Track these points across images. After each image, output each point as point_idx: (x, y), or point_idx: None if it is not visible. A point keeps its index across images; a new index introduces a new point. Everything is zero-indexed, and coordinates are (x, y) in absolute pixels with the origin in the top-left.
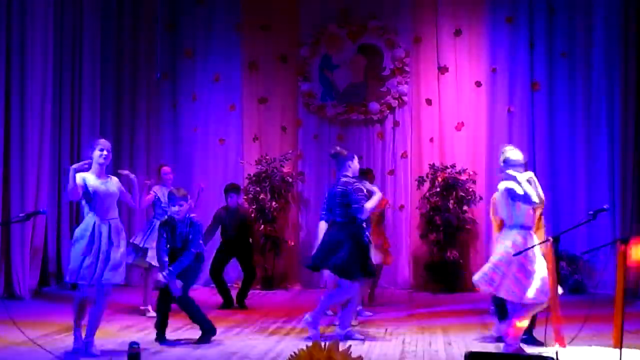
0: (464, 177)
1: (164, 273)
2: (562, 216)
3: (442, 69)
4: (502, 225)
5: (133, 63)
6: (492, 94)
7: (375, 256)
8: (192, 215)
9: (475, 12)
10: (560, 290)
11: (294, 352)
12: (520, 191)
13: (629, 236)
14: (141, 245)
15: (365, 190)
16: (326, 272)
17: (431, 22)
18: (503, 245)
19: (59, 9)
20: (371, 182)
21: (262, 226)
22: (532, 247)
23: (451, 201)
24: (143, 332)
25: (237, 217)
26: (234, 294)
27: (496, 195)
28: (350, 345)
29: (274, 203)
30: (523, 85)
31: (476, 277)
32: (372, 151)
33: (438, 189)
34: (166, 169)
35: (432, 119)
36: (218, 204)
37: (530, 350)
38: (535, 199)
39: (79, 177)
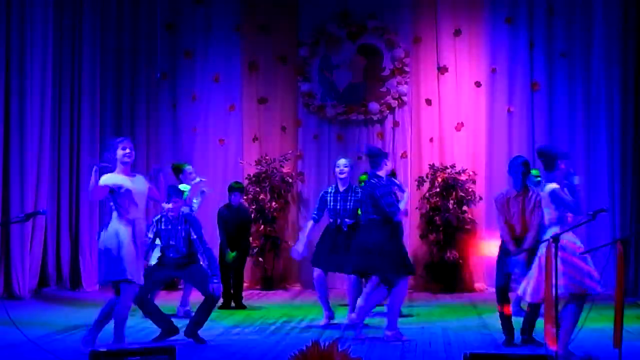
0: (463, 177)
1: (215, 281)
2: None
3: (442, 69)
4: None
5: (133, 63)
6: (492, 94)
7: None
8: (186, 211)
9: (474, 12)
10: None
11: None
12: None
13: (629, 236)
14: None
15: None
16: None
17: (431, 22)
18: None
19: (59, 9)
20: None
21: (262, 226)
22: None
23: (451, 201)
24: (143, 333)
25: (238, 215)
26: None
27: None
28: (350, 345)
29: (273, 203)
30: (523, 86)
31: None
32: None
33: (438, 189)
34: (189, 168)
35: (431, 119)
36: (218, 204)
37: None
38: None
39: (105, 177)
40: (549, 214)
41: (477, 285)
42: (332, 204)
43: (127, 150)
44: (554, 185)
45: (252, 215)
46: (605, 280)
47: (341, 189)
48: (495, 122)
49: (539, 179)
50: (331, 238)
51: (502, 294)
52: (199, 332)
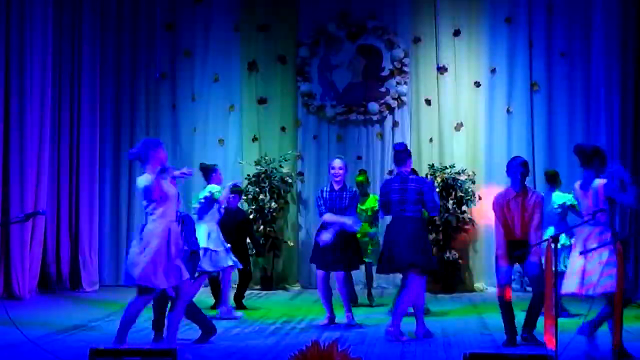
0: (463, 177)
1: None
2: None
3: (442, 69)
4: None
5: (132, 63)
6: (491, 94)
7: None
8: (184, 212)
9: (474, 12)
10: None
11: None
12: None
13: (628, 236)
14: (211, 248)
15: None
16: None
17: (430, 22)
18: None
19: (58, 9)
20: (367, 184)
21: (262, 226)
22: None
23: (450, 201)
24: (143, 333)
25: (236, 218)
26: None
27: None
28: (350, 346)
29: (273, 203)
30: (522, 86)
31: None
32: (372, 151)
33: (437, 189)
34: (218, 170)
35: (431, 119)
36: None
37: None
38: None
39: (151, 178)
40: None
41: (477, 285)
42: (327, 203)
43: (166, 153)
44: (603, 181)
45: (252, 216)
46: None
47: (336, 188)
48: (494, 122)
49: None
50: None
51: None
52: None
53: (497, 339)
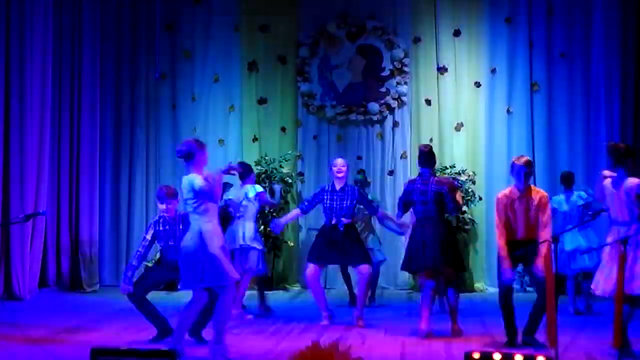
0: (463, 177)
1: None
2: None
3: (442, 70)
4: None
5: (132, 63)
6: (492, 94)
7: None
8: (184, 212)
9: (474, 12)
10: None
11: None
12: None
13: (628, 236)
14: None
15: None
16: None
17: (430, 22)
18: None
19: (58, 9)
20: (366, 184)
21: (262, 227)
22: None
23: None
24: (143, 333)
25: (226, 215)
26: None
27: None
28: (350, 346)
29: None
30: (522, 86)
31: None
32: (372, 152)
33: (446, 183)
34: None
35: (431, 120)
36: None
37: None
38: None
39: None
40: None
41: (477, 285)
42: (328, 202)
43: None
44: (636, 180)
45: None
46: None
47: (337, 187)
48: (494, 122)
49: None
50: (328, 236)
51: (506, 299)
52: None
53: (498, 340)
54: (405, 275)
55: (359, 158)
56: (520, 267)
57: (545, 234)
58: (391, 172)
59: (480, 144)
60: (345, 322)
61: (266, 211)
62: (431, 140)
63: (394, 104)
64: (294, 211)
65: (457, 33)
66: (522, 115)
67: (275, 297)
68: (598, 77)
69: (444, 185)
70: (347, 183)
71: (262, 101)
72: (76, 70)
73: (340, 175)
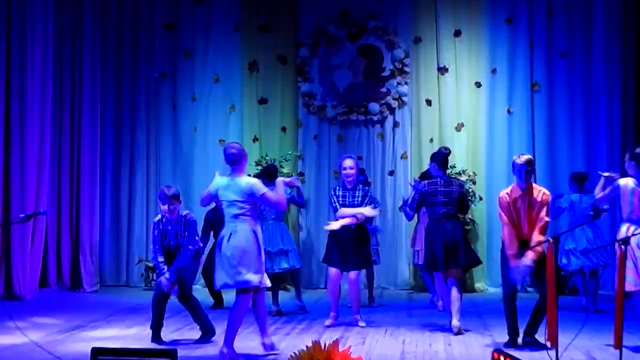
0: (464, 177)
1: (166, 276)
2: (562, 216)
3: (442, 70)
4: None
5: (133, 63)
6: (492, 94)
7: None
8: (186, 212)
9: (474, 12)
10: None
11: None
12: None
13: (629, 236)
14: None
15: None
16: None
17: (431, 22)
18: None
19: (59, 9)
20: (367, 185)
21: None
22: None
23: None
24: (143, 333)
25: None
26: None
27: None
28: (350, 346)
29: None
30: (523, 86)
31: None
32: (372, 152)
33: (456, 185)
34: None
35: (432, 120)
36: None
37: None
38: None
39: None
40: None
41: (478, 285)
42: (340, 201)
43: None
44: None
45: None
46: (605, 280)
47: (348, 187)
48: (495, 122)
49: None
50: (339, 236)
51: (510, 302)
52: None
53: (498, 340)
54: (405, 275)
55: (360, 158)
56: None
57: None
58: (391, 172)
59: (481, 144)
60: (345, 322)
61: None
62: (431, 140)
63: (395, 104)
64: (341, 210)
65: (457, 33)
66: (522, 116)
67: None
68: (598, 77)
69: (462, 187)
70: (358, 183)
71: (262, 101)
72: (76, 70)
73: (349, 178)
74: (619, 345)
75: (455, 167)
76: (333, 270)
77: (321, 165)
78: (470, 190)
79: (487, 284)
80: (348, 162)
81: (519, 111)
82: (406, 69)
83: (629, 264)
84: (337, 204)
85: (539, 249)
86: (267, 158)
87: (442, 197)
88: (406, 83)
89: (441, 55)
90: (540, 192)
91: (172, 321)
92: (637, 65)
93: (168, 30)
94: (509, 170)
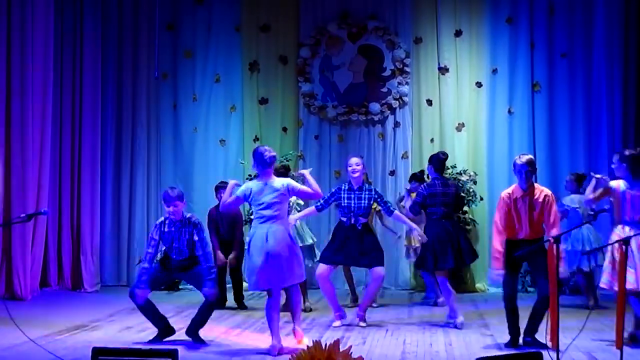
0: (464, 178)
1: (207, 289)
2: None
3: (443, 70)
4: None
5: (133, 63)
6: (493, 94)
7: None
8: (190, 215)
9: (475, 12)
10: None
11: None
12: None
13: (629, 237)
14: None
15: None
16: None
17: (431, 23)
18: None
19: (59, 9)
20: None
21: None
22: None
23: None
24: (144, 333)
25: (228, 215)
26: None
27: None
28: (351, 346)
29: None
30: (523, 86)
31: None
32: (373, 152)
33: (452, 186)
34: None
35: (432, 120)
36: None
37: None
38: None
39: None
40: None
41: (478, 285)
42: (345, 201)
43: None
44: None
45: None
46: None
47: (355, 186)
48: (496, 122)
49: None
50: (344, 235)
51: (511, 303)
52: (199, 332)
53: (499, 340)
54: (406, 276)
55: (360, 158)
56: (521, 268)
57: (555, 233)
58: (392, 172)
59: (482, 144)
60: (346, 322)
61: None
62: (432, 140)
63: (395, 104)
64: (309, 209)
65: (458, 33)
66: (523, 116)
67: None
68: (599, 77)
69: (459, 188)
70: (364, 182)
71: (263, 101)
72: (77, 70)
73: (355, 175)
74: (620, 344)
75: (455, 167)
76: (323, 267)
77: (322, 165)
78: (470, 190)
79: (487, 284)
80: (354, 160)
81: (520, 111)
82: (407, 69)
83: (607, 264)
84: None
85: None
86: None
87: (441, 198)
88: (407, 83)
89: (442, 55)
90: (542, 192)
91: (173, 321)
92: (638, 65)
93: (169, 30)
94: (509, 170)
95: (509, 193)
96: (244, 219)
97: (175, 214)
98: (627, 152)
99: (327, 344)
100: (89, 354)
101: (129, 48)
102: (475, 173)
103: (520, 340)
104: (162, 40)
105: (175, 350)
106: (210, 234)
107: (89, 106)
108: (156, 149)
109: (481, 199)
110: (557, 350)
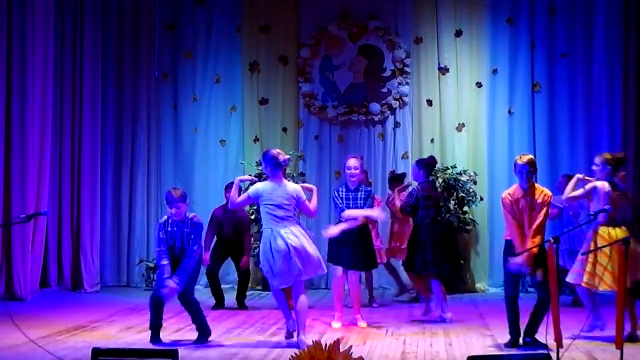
0: (464, 178)
1: (175, 280)
2: (563, 217)
3: (443, 70)
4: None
5: (134, 64)
6: (493, 94)
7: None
8: (192, 215)
9: (475, 13)
10: None
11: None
12: None
13: (629, 237)
14: None
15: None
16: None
17: (432, 23)
18: None
19: (59, 10)
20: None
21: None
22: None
23: (452, 202)
24: (144, 334)
25: (234, 216)
26: (232, 295)
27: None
28: (351, 346)
29: None
30: (523, 86)
31: None
32: (373, 152)
33: (439, 190)
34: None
35: (432, 120)
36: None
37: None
38: None
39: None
40: None
41: (478, 285)
42: (343, 203)
43: None
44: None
45: (253, 216)
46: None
47: (351, 188)
48: (496, 122)
49: None
50: (342, 237)
51: (512, 304)
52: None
53: (499, 340)
54: (406, 276)
55: (360, 158)
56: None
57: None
58: (393, 172)
59: (482, 144)
60: (346, 322)
61: None
62: (432, 140)
63: (396, 104)
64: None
65: (458, 33)
66: (523, 116)
67: None
68: (599, 77)
69: (442, 191)
70: (361, 184)
71: (263, 101)
72: (77, 71)
73: (353, 178)
74: (620, 344)
75: (456, 167)
76: (340, 270)
77: (322, 165)
78: (471, 190)
79: (487, 284)
80: (352, 162)
81: (520, 111)
82: (407, 69)
83: (578, 259)
84: (343, 204)
85: (534, 250)
86: None
87: (433, 201)
88: (407, 83)
89: (442, 56)
90: (542, 192)
91: (173, 321)
92: (638, 65)
93: (169, 31)
94: (509, 170)
95: (509, 193)
96: (248, 218)
97: (178, 215)
98: (610, 155)
99: (327, 344)
100: (89, 354)
101: (129, 48)
102: (475, 173)
103: (520, 341)
104: (162, 40)
105: (175, 350)
106: (207, 233)
107: (89, 106)
108: (156, 149)
109: (481, 199)
110: (558, 351)
